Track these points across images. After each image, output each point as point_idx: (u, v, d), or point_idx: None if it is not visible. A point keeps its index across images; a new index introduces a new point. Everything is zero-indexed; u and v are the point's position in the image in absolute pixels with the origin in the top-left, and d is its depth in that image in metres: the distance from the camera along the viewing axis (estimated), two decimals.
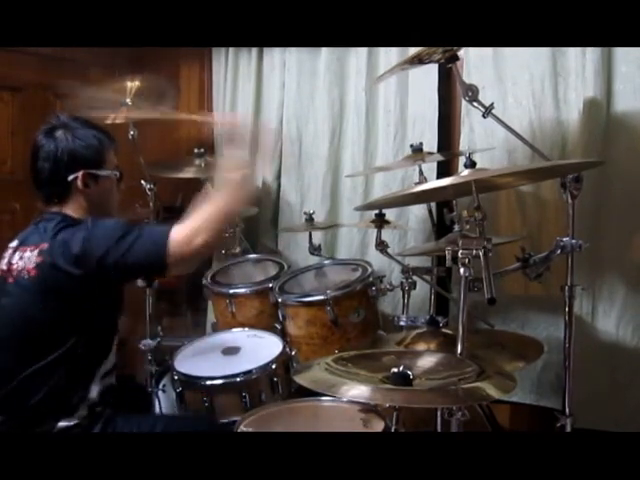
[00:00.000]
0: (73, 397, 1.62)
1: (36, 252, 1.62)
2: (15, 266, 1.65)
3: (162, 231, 1.57)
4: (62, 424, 1.59)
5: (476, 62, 2.38)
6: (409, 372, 1.33)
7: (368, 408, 1.65)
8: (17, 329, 1.63)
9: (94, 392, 1.66)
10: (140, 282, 2.24)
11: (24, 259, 1.64)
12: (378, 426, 1.59)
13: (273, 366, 2.08)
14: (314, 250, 2.53)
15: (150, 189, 2.54)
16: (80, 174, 1.69)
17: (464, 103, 2.33)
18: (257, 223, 3.07)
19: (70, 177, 1.68)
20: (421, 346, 1.90)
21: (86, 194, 1.71)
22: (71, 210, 1.71)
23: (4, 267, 1.69)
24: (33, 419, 1.59)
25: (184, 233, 1.56)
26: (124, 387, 1.92)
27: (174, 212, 3.18)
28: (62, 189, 1.70)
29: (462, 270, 1.39)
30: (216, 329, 2.56)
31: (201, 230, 1.55)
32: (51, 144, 1.68)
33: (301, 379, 1.39)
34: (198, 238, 1.54)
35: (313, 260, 2.62)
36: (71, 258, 1.56)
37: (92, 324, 1.65)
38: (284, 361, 2.15)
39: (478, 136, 2.39)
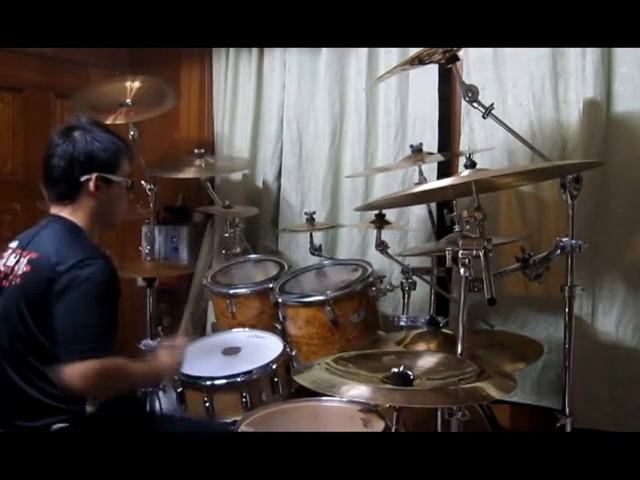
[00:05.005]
0: (64, 407, 1.57)
1: (27, 259, 1.60)
2: (10, 269, 1.64)
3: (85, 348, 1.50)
4: (57, 426, 1.56)
5: (476, 63, 2.38)
6: (409, 372, 1.33)
7: (368, 408, 1.65)
8: (7, 332, 1.61)
9: (87, 406, 1.62)
10: (140, 282, 2.24)
11: (18, 264, 1.62)
12: (378, 426, 1.59)
13: (273, 366, 2.09)
14: (314, 250, 2.54)
15: (150, 189, 2.55)
16: (93, 176, 1.66)
17: (464, 104, 2.32)
18: (257, 223, 3.07)
19: (83, 178, 1.66)
20: (421, 346, 1.90)
21: (96, 197, 1.68)
22: (78, 213, 1.68)
23: (2, 268, 1.67)
24: (27, 422, 1.56)
25: (95, 369, 1.49)
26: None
27: (174, 212, 3.21)
28: (73, 189, 1.67)
29: (462, 270, 1.39)
30: (216, 329, 2.57)
31: (114, 380, 1.56)
32: (69, 143, 1.66)
33: (301, 379, 1.39)
34: (104, 382, 1.52)
35: (313, 260, 2.62)
36: (51, 282, 1.54)
37: None
38: (284, 361, 2.15)
39: (478, 136, 2.39)
